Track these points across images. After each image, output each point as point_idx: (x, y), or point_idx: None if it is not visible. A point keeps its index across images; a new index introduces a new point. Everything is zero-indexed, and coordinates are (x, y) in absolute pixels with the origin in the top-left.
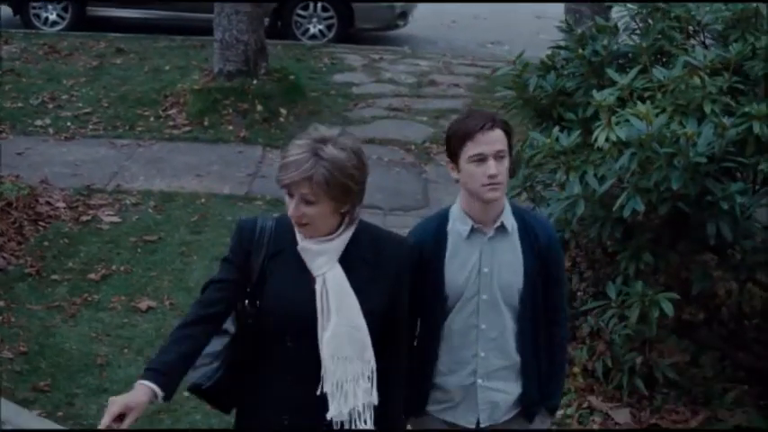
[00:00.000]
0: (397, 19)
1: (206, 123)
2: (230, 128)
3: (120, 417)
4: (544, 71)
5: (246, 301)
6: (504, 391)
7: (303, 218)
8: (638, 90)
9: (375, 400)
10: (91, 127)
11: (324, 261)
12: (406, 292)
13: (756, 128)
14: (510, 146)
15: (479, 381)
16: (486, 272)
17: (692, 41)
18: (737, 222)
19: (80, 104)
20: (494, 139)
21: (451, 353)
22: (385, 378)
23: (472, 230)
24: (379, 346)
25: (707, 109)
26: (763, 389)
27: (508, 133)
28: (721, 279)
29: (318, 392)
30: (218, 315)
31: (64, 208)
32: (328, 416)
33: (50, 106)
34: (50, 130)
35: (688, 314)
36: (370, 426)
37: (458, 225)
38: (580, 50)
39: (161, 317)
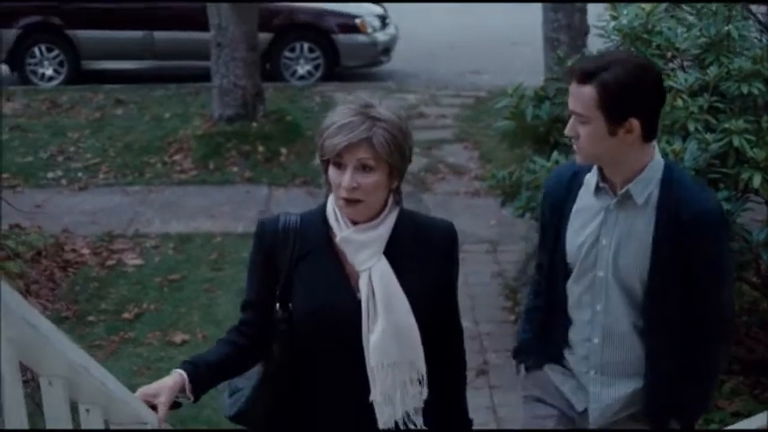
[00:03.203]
0: (381, 55)
1: (211, 167)
2: (235, 169)
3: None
4: (538, 101)
5: (277, 305)
6: (620, 389)
7: (357, 191)
8: None
9: (424, 398)
10: (102, 176)
11: (369, 254)
12: (456, 284)
13: (736, 141)
14: (609, 110)
15: (592, 372)
16: (604, 244)
17: (672, 65)
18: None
19: (88, 155)
20: (573, 96)
21: (570, 329)
22: (444, 372)
23: (598, 187)
24: (432, 345)
25: (690, 127)
26: (756, 379)
27: (604, 94)
28: None
29: (368, 400)
30: (257, 334)
31: (89, 254)
32: (380, 426)
33: (60, 159)
34: (63, 182)
35: None
36: (420, 425)
37: (592, 177)
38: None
39: (195, 348)
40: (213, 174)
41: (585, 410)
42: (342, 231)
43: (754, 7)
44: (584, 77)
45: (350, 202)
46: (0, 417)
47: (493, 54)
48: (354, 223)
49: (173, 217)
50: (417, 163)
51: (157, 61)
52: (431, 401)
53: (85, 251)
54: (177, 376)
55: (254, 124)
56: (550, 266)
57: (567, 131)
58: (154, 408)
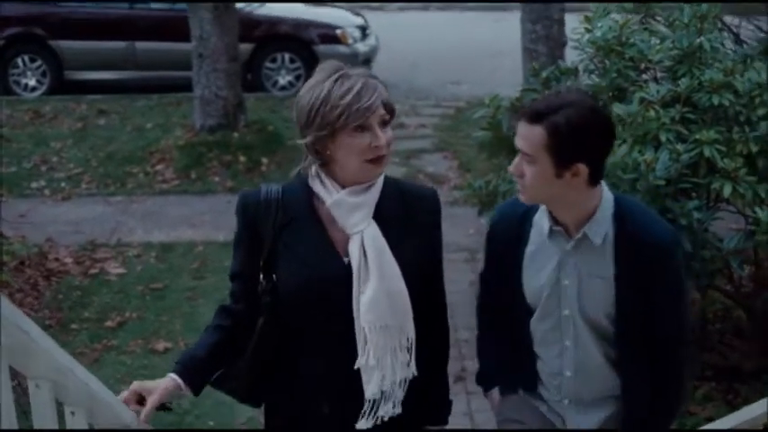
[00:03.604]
0: (362, 65)
1: (193, 176)
2: (216, 179)
3: (142, 401)
4: (514, 112)
5: (261, 276)
6: (596, 414)
7: (390, 146)
8: None
9: (412, 373)
10: (84, 186)
11: (361, 216)
12: (440, 249)
13: (707, 152)
14: (557, 153)
15: (565, 401)
16: (566, 284)
17: (645, 77)
18: (696, 235)
19: (71, 165)
20: (522, 135)
21: (540, 360)
22: (427, 348)
23: (551, 231)
24: (418, 312)
25: (662, 138)
26: (729, 385)
27: (554, 137)
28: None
29: (356, 367)
30: (245, 309)
31: (72, 263)
32: (367, 395)
33: (43, 169)
34: (46, 192)
35: None
36: (396, 405)
37: (542, 219)
38: (546, 92)
39: (178, 356)
40: (195, 183)
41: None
42: (332, 196)
43: (728, 19)
44: (535, 117)
45: (381, 160)
46: None
47: (474, 64)
48: (343, 187)
49: (155, 226)
50: (397, 172)
51: (140, 72)
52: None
53: (68, 260)
54: (170, 381)
55: (236, 134)
56: (511, 306)
57: (510, 169)
58: (143, 403)
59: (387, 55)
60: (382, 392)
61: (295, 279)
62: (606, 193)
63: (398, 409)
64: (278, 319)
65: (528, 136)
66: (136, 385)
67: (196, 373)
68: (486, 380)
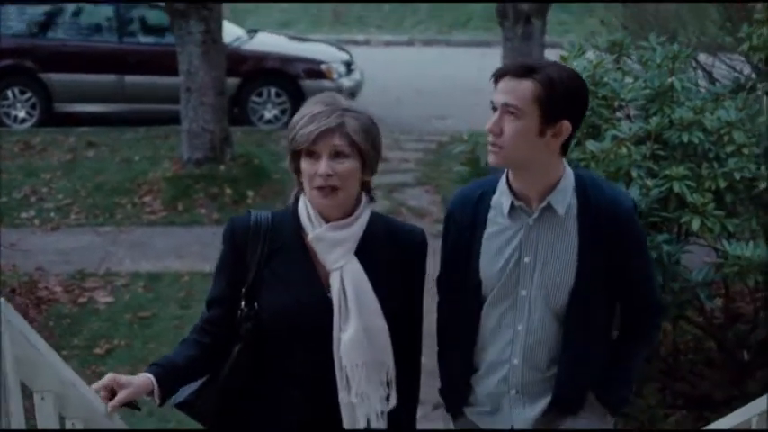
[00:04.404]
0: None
1: (180, 208)
2: (203, 211)
3: (113, 394)
4: None
5: (243, 303)
6: (543, 404)
7: (333, 178)
8: (575, 161)
9: (392, 404)
10: (73, 217)
11: (341, 252)
12: (423, 289)
13: (676, 187)
14: (546, 107)
15: (512, 392)
16: (527, 262)
17: (619, 114)
18: (666, 267)
19: (60, 196)
20: (508, 90)
21: (486, 351)
22: (401, 381)
23: (512, 207)
24: (396, 347)
25: (633, 174)
26: (699, 413)
27: (546, 89)
28: None
29: (334, 401)
30: (220, 334)
31: (61, 292)
32: (346, 427)
33: (33, 199)
34: (36, 222)
35: None
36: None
37: (501, 198)
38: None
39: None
40: (182, 215)
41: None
42: (315, 229)
43: (702, 58)
44: (524, 72)
45: (325, 190)
46: None
47: (458, 99)
48: (327, 221)
49: (142, 256)
50: (379, 206)
51: (128, 105)
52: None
53: (58, 289)
54: (146, 379)
55: (222, 167)
56: (461, 292)
57: (489, 126)
58: (113, 396)
59: (371, 89)
60: (366, 426)
61: (278, 308)
62: (568, 168)
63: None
64: (256, 347)
65: (516, 89)
66: (110, 377)
67: (171, 379)
68: (443, 397)
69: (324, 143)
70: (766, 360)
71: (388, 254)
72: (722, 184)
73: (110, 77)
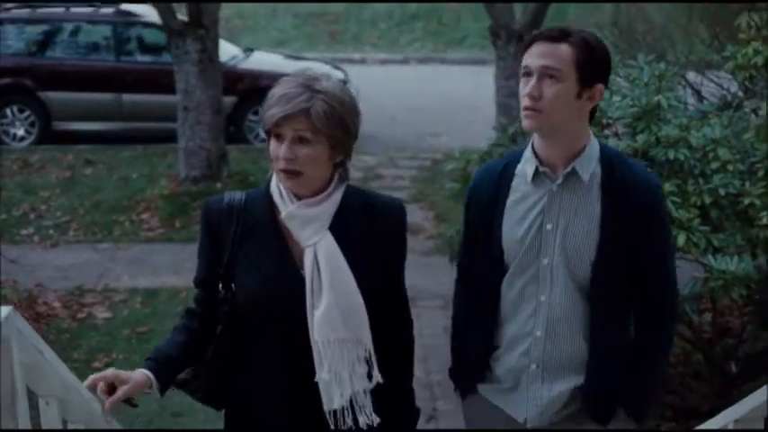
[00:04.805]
0: None
1: (177, 225)
2: (199, 228)
3: (113, 389)
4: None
5: (220, 285)
6: (562, 385)
7: (295, 162)
8: None
9: (375, 381)
10: (72, 233)
11: (314, 229)
12: (403, 262)
13: None
14: (584, 69)
15: (533, 366)
16: (549, 229)
17: (607, 132)
18: None
19: (59, 213)
20: (546, 53)
21: (508, 325)
22: (391, 359)
23: (536, 173)
24: (380, 323)
25: None
26: (688, 424)
27: (583, 52)
28: None
29: (314, 381)
30: (208, 314)
31: (61, 307)
32: (325, 408)
33: (32, 217)
34: (35, 239)
35: None
36: (370, 414)
37: (526, 165)
38: (512, 147)
39: (161, 392)
40: (179, 232)
41: (526, 420)
42: (286, 207)
43: (691, 76)
44: (561, 36)
45: (288, 173)
46: None
47: (452, 117)
48: (299, 198)
49: (140, 273)
50: None
51: (126, 123)
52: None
53: (57, 304)
54: (143, 375)
55: (219, 185)
56: (483, 266)
57: (528, 91)
58: (113, 391)
59: (367, 107)
60: (348, 403)
61: (252, 289)
62: (593, 136)
63: (374, 419)
64: (235, 329)
65: (554, 53)
66: (112, 371)
67: (167, 370)
68: (455, 377)
69: (287, 127)
70: (753, 373)
71: (364, 227)
72: (707, 200)
73: (107, 96)
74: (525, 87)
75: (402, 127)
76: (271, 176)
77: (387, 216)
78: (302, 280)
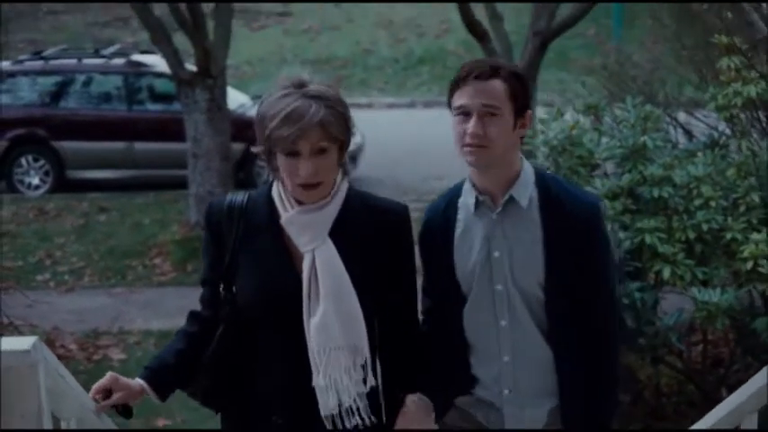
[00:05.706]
0: (348, 163)
1: (189, 269)
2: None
3: (110, 393)
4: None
5: (221, 287)
6: (538, 408)
7: (318, 175)
8: None
9: (369, 385)
10: (87, 279)
11: (313, 235)
12: (409, 265)
13: (648, 239)
14: (517, 101)
15: (505, 391)
16: (496, 256)
17: (597, 172)
18: (639, 313)
19: (74, 259)
20: (482, 92)
21: (477, 353)
22: (399, 362)
23: (478, 203)
24: (386, 332)
25: (608, 228)
26: None
27: (514, 85)
28: (641, 367)
29: (312, 384)
30: (212, 315)
31: (77, 349)
32: (322, 413)
33: (48, 263)
34: (51, 284)
35: None
36: (366, 417)
37: (467, 197)
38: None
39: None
40: (191, 276)
41: None
42: (286, 212)
43: (682, 116)
44: (492, 72)
45: (310, 186)
46: None
47: (455, 160)
48: (300, 204)
49: (153, 315)
50: None
51: (138, 170)
52: (384, 391)
53: (73, 347)
54: (138, 385)
55: None
56: (444, 298)
57: (473, 130)
58: (109, 395)
59: (373, 152)
60: (344, 409)
61: (251, 292)
62: (525, 160)
63: (371, 419)
64: (236, 331)
65: (490, 91)
66: (111, 377)
67: (163, 378)
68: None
69: (304, 142)
70: None
71: (366, 232)
72: (692, 236)
73: (120, 144)
74: (465, 126)
75: (406, 170)
76: (273, 180)
77: (391, 222)
78: (301, 283)
